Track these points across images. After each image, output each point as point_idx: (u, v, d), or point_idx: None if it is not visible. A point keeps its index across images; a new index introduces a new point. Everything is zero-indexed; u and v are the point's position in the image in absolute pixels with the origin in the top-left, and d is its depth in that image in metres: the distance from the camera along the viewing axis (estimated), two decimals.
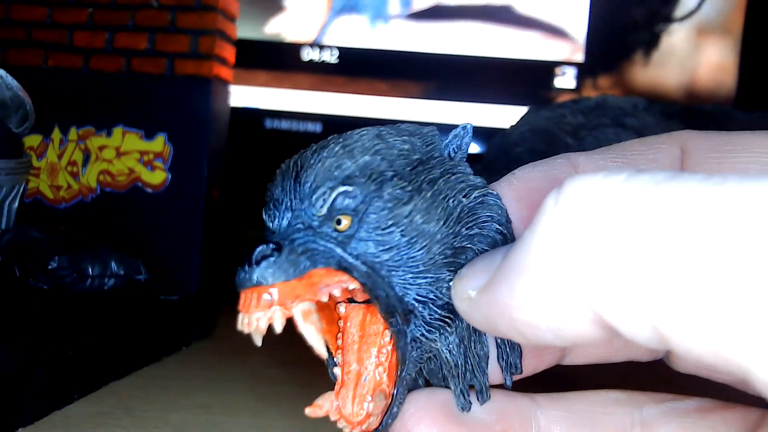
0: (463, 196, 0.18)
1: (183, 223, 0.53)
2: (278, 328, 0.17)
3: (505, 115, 0.78)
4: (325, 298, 0.17)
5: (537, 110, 0.43)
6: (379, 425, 0.18)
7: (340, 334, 0.19)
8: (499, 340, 0.18)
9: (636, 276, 0.11)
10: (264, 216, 0.19)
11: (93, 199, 0.55)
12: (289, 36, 0.82)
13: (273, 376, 0.45)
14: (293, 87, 0.82)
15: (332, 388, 0.19)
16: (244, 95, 0.81)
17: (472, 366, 0.18)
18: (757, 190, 0.10)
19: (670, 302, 0.10)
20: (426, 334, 0.17)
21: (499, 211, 0.18)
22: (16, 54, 0.57)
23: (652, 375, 0.23)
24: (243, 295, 0.17)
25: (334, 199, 0.17)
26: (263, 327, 0.17)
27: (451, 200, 0.17)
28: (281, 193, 0.18)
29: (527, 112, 0.45)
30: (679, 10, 0.79)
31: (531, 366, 0.19)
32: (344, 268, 0.17)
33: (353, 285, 0.17)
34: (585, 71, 0.81)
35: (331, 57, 0.82)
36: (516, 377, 0.19)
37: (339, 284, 0.17)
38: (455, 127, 0.19)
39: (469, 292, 0.15)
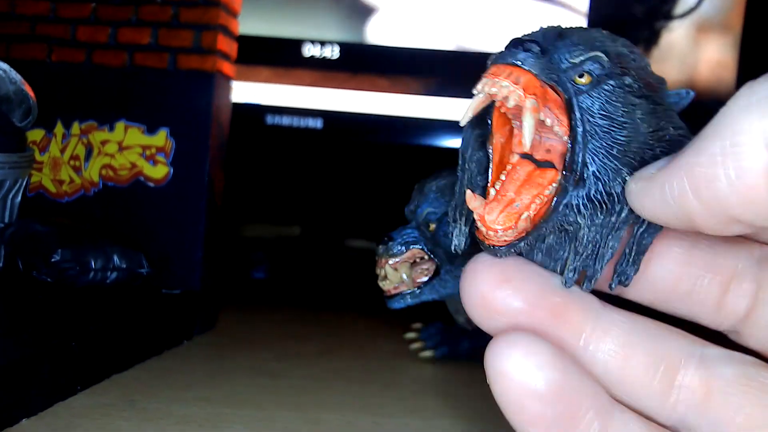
0: (672, 127, 0.20)
1: (185, 217, 0.53)
2: (511, 104, 0.19)
3: None
4: (542, 116, 0.19)
5: None
6: (507, 245, 0.19)
7: (505, 173, 0.21)
8: (627, 249, 0.20)
9: None
10: (505, 51, 0.20)
11: (95, 194, 0.55)
12: (289, 31, 0.82)
13: (275, 369, 0.46)
14: (294, 83, 0.82)
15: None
16: (244, 91, 0.81)
17: (597, 254, 0.20)
18: None
19: None
20: (581, 205, 0.19)
21: None
22: (19, 48, 0.57)
23: None
24: (495, 68, 0.19)
25: (588, 58, 0.19)
26: (502, 94, 0.19)
27: (663, 122, 0.20)
28: (542, 38, 0.20)
29: None
30: (679, 7, 0.80)
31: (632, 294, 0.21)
32: (569, 106, 0.19)
33: (560, 129, 0.19)
34: None
35: (332, 53, 0.82)
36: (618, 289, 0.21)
37: (555, 117, 0.19)
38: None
39: (650, 170, 0.18)
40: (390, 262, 0.41)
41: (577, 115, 0.19)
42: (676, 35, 0.79)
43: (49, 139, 0.57)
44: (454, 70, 0.80)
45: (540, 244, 0.20)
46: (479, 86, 0.19)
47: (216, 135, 0.53)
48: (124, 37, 0.55)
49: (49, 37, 0.56)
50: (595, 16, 0.80)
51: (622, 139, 0.19)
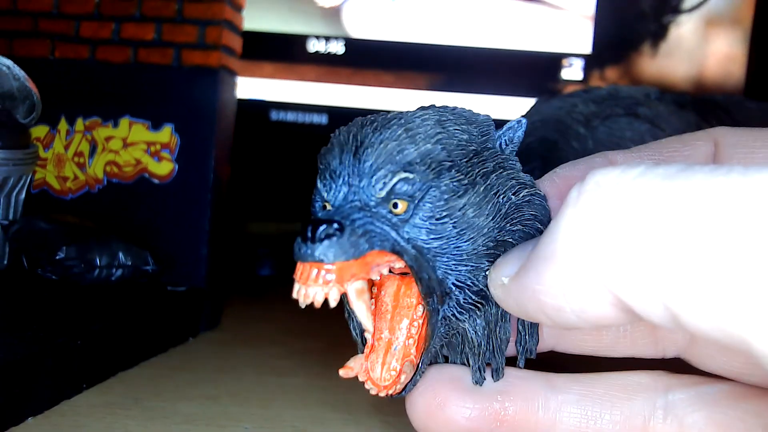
0: (513, 194, 0.19)
1: (190, 214, 0.52)
2: (333, 303, 0.18)
3: (511, 107, 0.78)
4: (375, 277, 0.18)
5: (547, 100, 0.43)
6: (402, 391, 0.19)
7: (372, 301, 0.20)
8: (520, 326, 0.20)
9: (649, 260, 0.12)
10: (319, 184, 0.20)
11: (100, 190, 0.55)
12: (295, 27, 0.82)
13: (281, 366, 0.45)
14: (299, 78, 0.82)
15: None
16: (249, 87, 0.81)
17: (493, 347, 0.19)
18: (757, 179, 0.11)
19: (679, 282, 0.11)
20: (457, 314, 0.19)
21: (543, 211, 0.19)
22: (22, 45, 0.56)
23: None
24: (302, 267, 0.18)
25: (395, 183, 0.18)
26: (320, 300, 0.18)
27: (501, 196, 0.18)
28: (339, 165, 0.19)
29: (537, 102, 0.45)
30: (688, 1, 0.79)
31: (541, 346, 0.20)
32: (397, 251, 0.18)
33: (400, 265, 0.19)
34: (592, 62, 0.80)
35: (337, 48, 0.81)
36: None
37: (388, 263, 0.18)
38: None
39: (502, 278, 0.16)
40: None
41: (410, 253, 0.18)
42: (684, 30, 0.79)
43: (53, 135, 0.56)
44: (460, 66, 0.80)
45: (440, 352, 0.20)
46: (294, 294, 0.19)
47: (221, 131, 0.53)
48: (127, 33, 0.55)
49: (53, 33, 0.56)
50: (602, 10, 0.79)
51: (465, 245, 0.18)
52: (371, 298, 0.20)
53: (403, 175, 0.18)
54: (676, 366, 0.20)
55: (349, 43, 0.81)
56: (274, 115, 0.81)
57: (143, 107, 0.54)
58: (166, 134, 0.53)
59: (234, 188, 0.57)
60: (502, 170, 0.19)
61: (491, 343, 0.19)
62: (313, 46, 0.82)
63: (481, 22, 0.80)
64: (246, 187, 0.77)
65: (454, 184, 0.18)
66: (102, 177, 0.55)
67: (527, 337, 0.20)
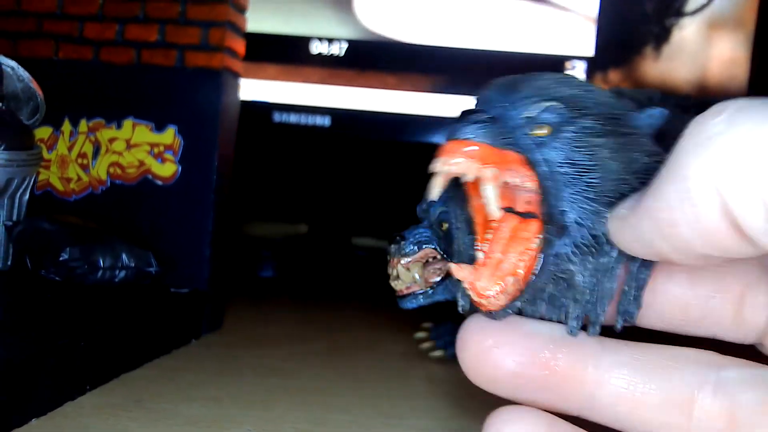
0: (646, 156, 0.20)
1: (193, 215, 0.53)
2: (469, 177, 0.19)
3: None
4: (507, 179, 0.19)
5: None
6: (501, 309, 0.20)
7: (490, 231, 0.21)
8: (626, 286, 0.20)
9: (755, 171, 0.14)
10: (475, 108, 0.20)
11: (103, 192, 0.55)
12: (298, 28, 0.82)
13: (283, 368, 0.45)
14: (302, 80, 0.82)
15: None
16: (252, 88, 0.81)
17: (596, 298, 0.20)
18: None
19: None
20: (570, 254, 0.19)
21: None
22: (26, 45, 0.57)
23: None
24: (450, 144, 0.19)
25: (542, 110, 0.19)
26: (458, 171, 0.19)
27: (634, 153, 0.20)
28: (496, 94, 0.20)
29: None
30: (691, 4, 0.79)
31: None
32: (532, 162, 0.19)
33: (530, 185, 0.19)
34: (595, 65, 0.80)
35: (339, 50, 0.81)
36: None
37: (521, 176, 0.19)
38: None
39: (622, 210, 0.18)
40: (402, 261, 0.40)
41: (543, 169, 0.19)
42: (687, 32, 0.79)
43: (56, 136, 0.56)
44: (463, 67, 0.80)
45: (540, 295, 0.20)
46: (436, 165, 0.19)
47: (224, 133, 0.53)
48: (131, 34, 0.55)
49: (57, 34, 0.56)
50: (605, 13, 0.79)
51: (595, 181, 0.19)
52: (489, 229, 0.21)
53: (552, 103, 0.19)
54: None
55: (352, 45, 0.81)
56: (277, 117, 0.82)
57: (147, 109, 0.54)
58: (170, 136, 0.53)
59: (237, 190, 0.57)
60: (638, 137, 0.20)
61: (596, 293, 0.20)
62: (316, 47, 0.82)
63: (484, 24, 0.80)
64: (249, 189, 0.77)
65: (597, 125, 0.19)
66: (105, 178, 0.55)
67: (630, 298, 0.20)
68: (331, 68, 0.82)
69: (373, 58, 0.81)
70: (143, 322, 0.44)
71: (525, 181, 0.19)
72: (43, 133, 0.56)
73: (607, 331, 0.21)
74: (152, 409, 0.36)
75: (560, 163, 0.19)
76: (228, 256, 0.55)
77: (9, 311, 0.43)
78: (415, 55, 0.81)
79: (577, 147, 0.19)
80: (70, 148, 0.56)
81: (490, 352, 0.19)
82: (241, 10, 0.55)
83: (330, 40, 0.81)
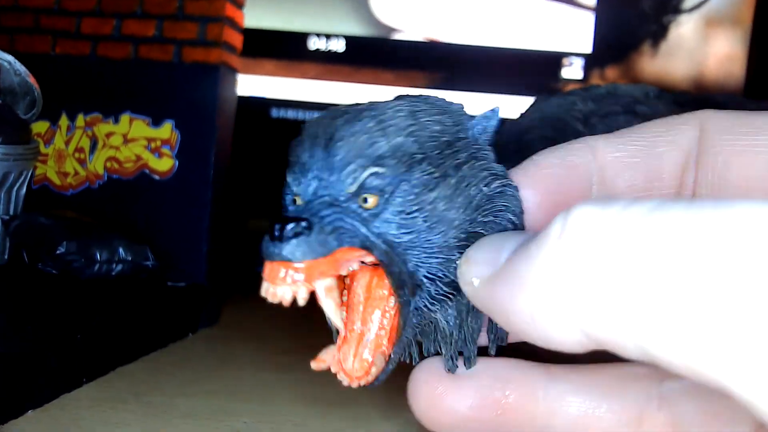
0: (485, 185, 0.18)
1: (190, 210, 0.53)
2: (301, 302, 0.17)
3: (511, 106, 0.78)
4: (344, 272, 0.17)
5: (547, 98, 0.43)
6: (374, 381, 0.18)
7: (345, 291, 0.20)
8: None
9: (624, 300, 0.12)
10: (288, 177, 0.19)
11: (100, 186, 0.55)
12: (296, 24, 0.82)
13: (280, 362, 0.45)
14: (300, 76, 0.82)
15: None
16: (250, 84, 0.81)
17: (464, 336, 0.19)
18: (728, 213, 0.11)
19: (653, 322, 0.11)
20: (429, 305, 0.18)
21: (515, 203, 0.19)
22: (24, 41, 0.56)
23: None
24: (270, 266, 0.17)
25: (365, 178, 0.17)
26: (288, 299, 0.17)
27: (473, 188, 0.18)
28: (309, 159, 0.19)
29: (537, 100, 0.45)
30: (688, 1, 0.79)
31: (515, 336, 0.20)
32: (367, 246, 0.17)
33: (370, 259, 0.17)
34: (592, 62, 0.80)
35: (337, 46, 0.81)
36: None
37: (358, 258, 0.17)
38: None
39: (473, 279, 0.16)
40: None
41: (381, 247, 0.17)
42: (684, 29, 0.79)
43: (53, 131, 0.56)
44: (460, 64, 0.80)
45: (412, 341, 0.20)
46: (263, 293, 0.18)
47: (221, 128, 0.53)
48: (128, 30, 0.55)
49: (54, 29, 0.56)
50: (603, 11, 0.79)
51: (436, 238, 0.18)
52: (343, 288, 0.20)
53: (374, 169, 0.17)
54: None
55: (350, 41, 0.81)
56: (275, 113, 0.82)
57: (144, 103, 0.54)
58: (167, 130, 0.53)
59: (234, 185, 0.57)
60: (474, 161, 0.18)
61: (463, 332, 0.19)
62: (314, 43, 0.82)
63: (482, 20, 0.80)
64: (246, 184, 0.77)
65: (426, 177, 0.17)
66: (102, 173, 0.55)
67: (497, 325, 0.19)
68: (328, 64, 0.82)
69: (371, 55, 0.81)
70: (140, 316, 0.44)
71: (365, 257, 0.18)
72: (40, 127, 0.56)
73: (556, 357, 0.21)
74: (149, 402, 0.36)
75: (397, 233, 0.18)
76: (226, 251, 0.56)
77: (6, 304, 0.43)
78: (412, 51, 0.81)
79: (410, 213, 0.17)
80: (67, 143, 0.56)
81: (441, 399, 0.19)
82: (239, 5, 0.55)
83: (328, 36, 0.81)
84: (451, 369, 0.19)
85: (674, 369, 0.11)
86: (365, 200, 0.17)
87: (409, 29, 0.80)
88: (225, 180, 0.53)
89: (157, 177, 0.52)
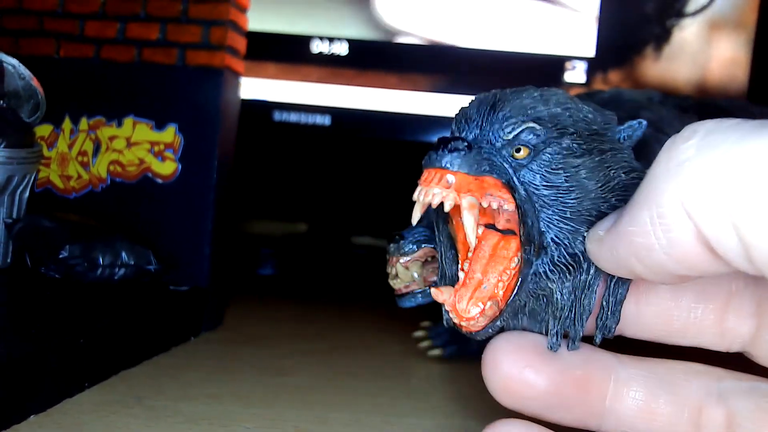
0: (623, 173, 0.20)
1: (193, 213, 0.53)
2: (447, 207, 0.19)
3: None
4: (485, 204, 0.20)
5: None
6: (482, 329, 0.20)
7: (471, 250, 0.21)
8: (604, 302, 0.20)
9: (725, 193, 0.14)
10: (453, 126, 0.21)
11: (103, 189, 0.55)
12: (299, 27, 0.82)
13: (283, 366, 0.45)
14: (302, 79, 0.82)
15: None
16: (253, 87, 0.81)
17: (574, 314, 0.20)
18: None
19: (749, 208, 0.13)
20: (548, 272, 0.20)
21: None
22: (27, 43, 0.57)
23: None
24: (427, 173, 0.20)
25: (522, 130, 0.20)
26: (436, 202, 0.19)
27: (612, 171, 0.20)
28: (476, 113, 0.21)
29: None
30: (691, 5, 0.79)
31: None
32: (511, 186, 0.20)
33: (509, 207, 0.20)
34: (595, 65, 0.80)
35: (341, 49, 0.81)
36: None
37: (500, 199, 0.20)
38: None
39: (599, 232, 0.18)
40: (401, 260, 0.40)
41: (521, 192, 0.20)
42: (688, 33, 0.79)
43: (57, 134, 0.56)
44: (463, 68, 0.80)
45: (521, 310, 0.21)
46: (415, 194, 0.20)
47: (224, 131, 0.53)
48: (132, 33, 0.55)
49: (58, 32, 0.56)
50: (605, 14, 0.79)
51: (572, 202, 0.19)
52: (472, 248, 0.21)
53: (531, 125, 0.20)
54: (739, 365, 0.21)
55: (353, 44, 0.81)
56: (278, 116, 0.82)
57: (147, 107, 0.54)
58: (170, 134, 0.53)
59: (237, 188, 0.57)
60: (617, 152, 0.20)
61: (574, 309, 0.20)
62: (317, 47, 0.82)
63: (485, 23, 0.80)
64: (249, 188, 0.77)
65: (574, 145, 0.20)
66: (105, 176, 0.55)
67: (608, 313, 0.20)
68: (331, 67, 0.82)
69: (374, 58, 0.81)
70: (143, 320, 0.44)
71: (504, 203, 0.20)
72: (43, 130, 0.56)
73: (610, 345, 0.21)
74: (152, 406, 0.36)
75: (538, 185, 0.20)
76: (228, 254, 0.56)
77: (8, 308, 0.43)
78: (416, 54, 0.81)
79: (555, 169, 0.20)
80: (70, 146, 0.56)
81: (523, 373, 0.20)
82: (243, 9, 0.55)
83: (331, 39, 0.81)
84: (553, 347, 0.21)
85: (766, 257, 0.13)
86: (518, 150, 0.20)
87: (413, 32, 0.80)
88: (228, 184, 0.53)
89: (160, 180, 0.52)
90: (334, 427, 0.35)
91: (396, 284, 0.41)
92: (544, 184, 0.20)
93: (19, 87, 0.50)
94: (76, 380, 0.37)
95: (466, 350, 0.50)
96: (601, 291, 0.20)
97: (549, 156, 0.20)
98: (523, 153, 0.20)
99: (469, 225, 0.19)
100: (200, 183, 0.53)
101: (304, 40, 0.82)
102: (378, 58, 0.81)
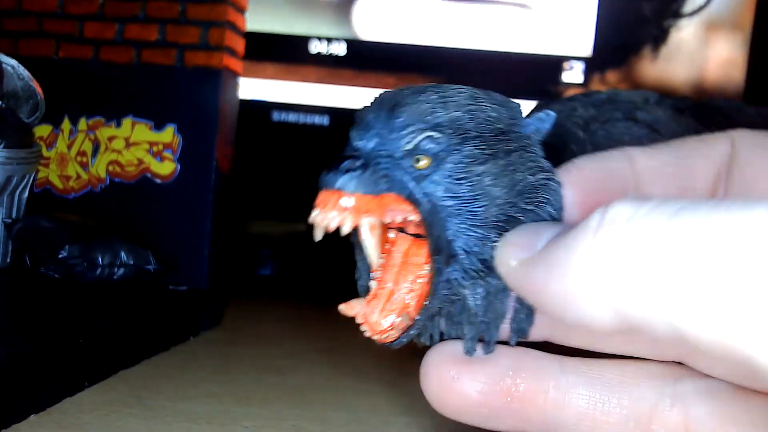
0: (531, 175, 0.19)
1: (192, 214, 0.53)
2: (345, 231, 0.19)
3: None
4: (388, 220, 0.19)
5: (548, 103, 0.43)
6: (395, 340, 0.20)
7: (383, 255, 0.21)
8: (517, 304, 0.20)
9: (657, 285, 0.13)
10: (352, 133, 0.20)
11: (102, 190, 0.55)
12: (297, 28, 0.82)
13: (281, 365, 0.46)
14: (301, 80, 0.82)
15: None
16: (251, 88, 0.81)
17: (489, 319, 0.20)
18: (754, 214, 0.12)
19: (684, 302, 0.13)
20: (460, 279, 0.19)
21: (557, 197, 0.20)
22: (27, 45, 0.57)
23: None
24: (323, 195, 0.19)
25: (421, 140, 0.19)
26: (333, 226, 0.19)
27: (519, 174, 0.19)
28: (374, 119, 0.20)
29: (537, 106, 0.45)
30: (688, 6, 0.79)
31: (537, 335, 0.21)
32: (413, 200, 0.19)
33: (414, 217, 0.19)
34: (593, 66, 0.81)
35: (339, 50, 0.81)
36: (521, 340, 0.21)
37: (403, 213, 0.19)
38: None
39: (511, 261, 0.17)
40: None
41: (425, 206, 0.19)
42: (685, 34, 0.79)
43: (56, 135, 0.57)
44: (461, 68, 0.80)
45: (437, 314, 0.21)
46: (312, 217, 0.20)
47: (223, 131, 0.53)
48: (131, 34, 0.55)
49: (57, 33, 0.56)
50: (603, 14, 0.79)
51: (479, 210, 0.19)
52: (382, 253, 0.21)
53: (431, 133, 0.19)
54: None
55: (351, 44, 0.82)
56: (276, 116, 0.82)
57: (146, 107, 0.54)
58: (169, 134, 0.54)
59: (236, 188, 0.57)
60: (524, 152, 0.20)
61: (488, 314, 0.20)
62: (315, 47, 0.82)
63: (483, 24, 0.81)
64: (247, 188, 0.77)
65: (477, 151, 0.19)
66: (104, 176, 0.55)
67: (522, 316, 0.20)
68: (329, 68, 0.82)
69: (372, 58, 0.81)
70: (142, 320, 0.44)
71: (409, 215, 0.20)
72: (42, 131, 0.56)
73: (565, 350, 0.21)
74: (151, 405, 0.36)
75: (442, 197, 0.19)
76: (227, 255, 0.56)
77: (8, 308, 0.43)
78: (414, 55, 0.81)
79: (458, 179, 0.19)
80: (69, 146, 0.56)
81: (453, 383, 0.20)
82: (241, 10, 0.55)
83: (329, 40, 0.82)
84: (470, 351, 0.20)
85: (702, 343, 0.13)
86: (418, 160, 0.19)
87: (408, 34, 0.80)
88: (227, 184, 0.53)
89: (158, 181, 0.53)
90: (333, 426, 0.35)
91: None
92: (448, 195, 0.19)
93: (19, 88, 0.50)
94: (75, 380, 0.37)
95: None
96: (515, 294, 0.20)
97: (451, 165, 0.19)
98: (424, 162, 0.19)
99: (370, 246, 0.19)
100: (199, 183, 0.53)
101: (302, 41, 0.82)
102: (376, 58, 0.81)
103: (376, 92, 0.21)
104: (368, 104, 0.21)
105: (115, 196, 0.55)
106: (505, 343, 0.21)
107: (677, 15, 0.79)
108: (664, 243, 0.13)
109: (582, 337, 0.20)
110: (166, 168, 0.53)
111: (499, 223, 0.19)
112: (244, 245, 0.80)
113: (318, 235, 0.19)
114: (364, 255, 0.22)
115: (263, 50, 0.81)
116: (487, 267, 0.19)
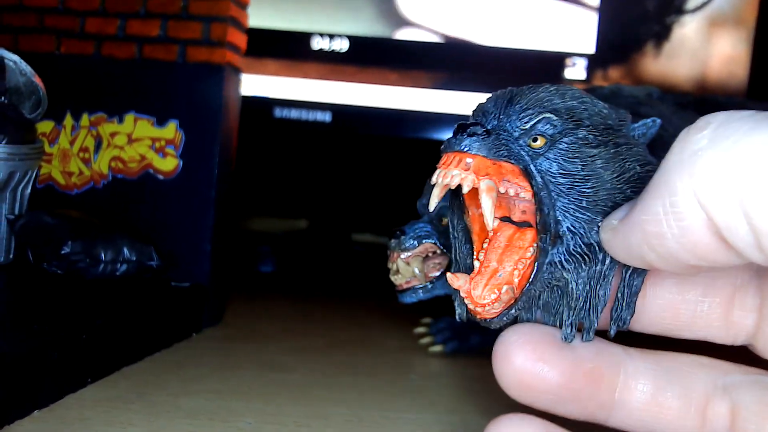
0: (639, 165, 0.20)
1: (194, 210, 0.53)
2: (465, 189, 0.20)
3: None
4: (503, 189, 0.20)
5: None
6: (496, 317, 0.20)
7: (487, 240, 0.22)
8: (618, 294, 0.20)
9: (736, 183, 0.14)
10: (470, 120, 0.21)
11: (105, 186, 0.55)
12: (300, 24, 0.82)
13: (284, 362, 0.46)
14: (303, 76, 0.82)
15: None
16: (253, 84, 0.81)
17: (589, 305, 0.20)
18: None
19: (760, 196, 0.14)
20: (564, 261, 0.20)
21: None
22: (28, 40, 0.57)
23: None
24: (446, 157, 0.20)
25: (538, 121, 0.20)
26: (455, 183, 0.20)
27: (628, 163, 0.20)
28: (493, 106, 0.21)
29: None
30: (691, 2, 0.79)
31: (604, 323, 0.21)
32: (528, 173, 0.20)
33: (526, 194, 0.20)
34: (595, 62, 0.80)
35: (341, 46, 0.81)
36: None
37: (517, 186, 0.20)
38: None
39: (613, 221, 0.18)
40: (402, 256, 0.41)
41: (537, 180, 0.20)
42: (688, 30, 0.79)
43: (58, 130, 0.57)
44: (464, 64, 0.80)
45: (535, 302, 0.21)
46: (434, 177, 0.20)
47: (225, 128, 0.53)
48: (133, 29, 0.55)
49: (58, 28, 0.56)
50: (606, 11, 0.79)
51: (588, 191, 0.20)
52: (486, 238, 0.21)
53: (548, 115, 0.20)
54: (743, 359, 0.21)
55: (353, 40, 0.81)
56: (278, 113, 0.82)
57: (148, 103, 0.54)
58: (171, 130, 0.54)
59: (237, 185, 0.57)
60: (632, 146, 0.21)
61: (589, 300, 0.20)
62: (317, 43, 0.82)
63: (485, 20, 0.80)
64: (249, 184, 0.77)
65: (590, 136, 0.20)
66: (107, 172, 0.55)
67: (624, 304, 0.20)
68: (332, 64, 0.82)
69: (374, 54, 0.81)
70: (144, 316, 0.44)
71: (521, 191, 0.20)
72: (44, 127, 0.56)
73: (615, 339, 0.21)
74: (153, 401, 0.36)
75: (555, 174, 0.20)
76: (229, 251, 0.56)
77: (11, 304, 0.43)
78: (416, 51, 0.81)
79: (571, 158, 0.20)
80: (71, 142, 0.56)
81: (535, 366, 0.20)
82: (243, 5, 0.55)
83: (331, 36, 0.81)
84: (568, 338, 0.21)
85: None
86: (535, 140, 0.20)
87: (409, 30, 0.80)
88: (229, 180, 0.53)
89: (161, 177, 0.53)
90: (335, 423, 0.35)
91: (397, 280, 0.42)
92: (561, 172, 0.20)
93: (21, 83, 0.50)
94: (78, 376, 0.37)
95: (467, 346, 0.50)
96: (617, 282, 0.20)
97: (565, 145, 0.20)
98: (539, 142, 0.20)
99: (487, 207, 0.19)
100: (201, 179, 0.53)
101: (304, 37, 0.82)
102: (378, 54, 0.81)
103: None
104: (486, 99, 0.22)
105: (117, 192, 0.55)
106: (601, 333, 0.21)
107: (680, 11, 0.79)
108: (742, 150, 0.14)
109: (663, 320, 0.21)
110: (168, 164, 0.53)
111: (606, 208, 0.20)
112: (245, 242, 0.80)
113: (435, 199, 0.20)
114: (462, 239, 0.22)
115: (265, 46, 0.81)
116: (592, 252, 0.20)
